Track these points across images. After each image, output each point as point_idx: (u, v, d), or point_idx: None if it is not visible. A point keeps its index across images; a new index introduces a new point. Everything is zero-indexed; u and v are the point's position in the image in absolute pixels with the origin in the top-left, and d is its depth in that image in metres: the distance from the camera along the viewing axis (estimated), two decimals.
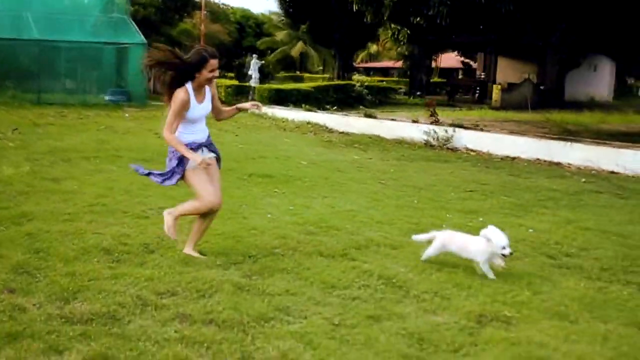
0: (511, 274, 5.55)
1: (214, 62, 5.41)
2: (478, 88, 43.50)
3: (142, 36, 27.66)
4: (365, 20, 18.35)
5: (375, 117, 18.72)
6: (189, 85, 5.45)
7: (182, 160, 5.52)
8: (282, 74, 61.15)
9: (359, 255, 5.96)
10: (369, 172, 11.27)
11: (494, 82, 40.63)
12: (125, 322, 4.24)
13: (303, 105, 21.95)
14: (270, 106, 23.00)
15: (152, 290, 4.82)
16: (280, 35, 66.68)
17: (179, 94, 5.40)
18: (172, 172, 5.59)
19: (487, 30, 23.66)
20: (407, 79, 45.07)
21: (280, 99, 25.01)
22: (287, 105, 23.62)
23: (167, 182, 5.65)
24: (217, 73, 5.52)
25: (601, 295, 5.19)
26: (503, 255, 5.34)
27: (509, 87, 37.47)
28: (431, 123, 16.76)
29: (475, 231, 5.82)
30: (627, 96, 43.78)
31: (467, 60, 56.27)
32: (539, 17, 16.96)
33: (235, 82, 31.69)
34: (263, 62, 35.18)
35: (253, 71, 31.11)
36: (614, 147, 13.30)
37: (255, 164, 11.45)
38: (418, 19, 16.55)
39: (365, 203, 8.40)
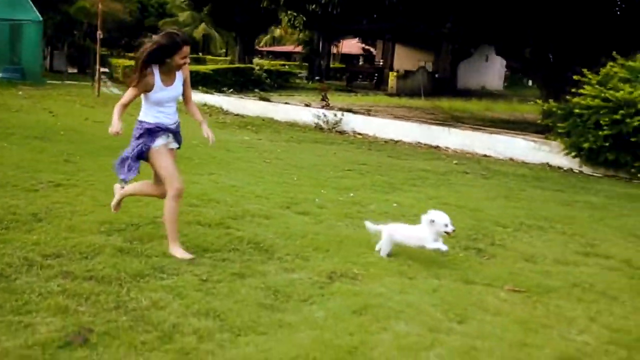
0: (368, 240, 6.27)
1: (186, 49, 5.35)
2: (376, 75, 44.73)
3: (38, 13, 27.26)
4: (262, 5, 18.81)
5: (269, 101, 19.35)
6: (155, 68, 5.36)
7: (148, 134, 5.49)
8: None
9: (234, 224, 6.58)
10: (257, 152, 11.89)
11: (391, 69, 41.91)
12: (12, 279, 4.69)
13: (200, 88, 22.31)
14: None
15: (38, 252, 5.28)
16: (183, 16, 65.82)
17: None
18: (139, 149, 5.49)
19: (381, 19, 24.52)
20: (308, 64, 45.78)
21: None
22: None
23: (135, 163, 5.56)
24: (188, 60, 5.46)
25: (441, 257, 5.98)
26: (446, 232, 5.62)
27: (405, 75, 38.79)
28: (322, 107, 17.51)
29: (344, 204, 6.50)
30: (518, 86, 45.91)
31: (367, 47, 57.55)
32: (428, 7, 17.84)
33: (132, 63, 31.52)
34: None
35: None
36: (488, 132, 14.37)
37: None
38: (313, 6, 17.10)
39: (247, 179, 9.01)
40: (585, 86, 12.05)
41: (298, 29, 22.52)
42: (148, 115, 5.53)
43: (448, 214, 7.60)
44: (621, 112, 11.27)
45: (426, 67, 41.00)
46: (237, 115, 18.59)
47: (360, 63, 61.52)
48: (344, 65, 53.46)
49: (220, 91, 22.04)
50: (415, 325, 4.32)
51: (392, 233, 5.84)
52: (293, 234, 6.31)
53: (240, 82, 28.96)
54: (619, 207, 9.04)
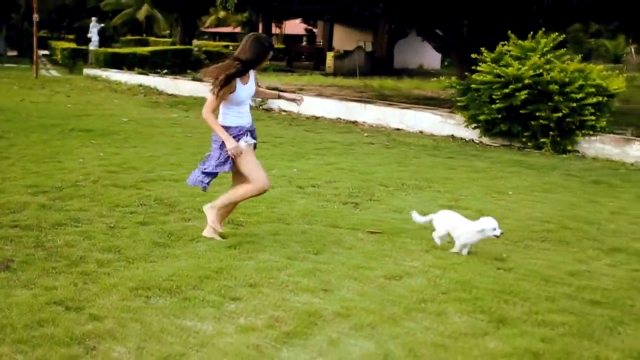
0: (264, 197, 7.35)
1: (271, 53, 5.49)
2: (319, 55, 45.65)
3: None
4: None
5: (202, 81, 20.21)
6: None
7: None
8: (128, 37, 60.73)
9: (146, 186, 7.62)
10: (181, 127, 12.88)
11: (330, 49, 42.88)
12: None
13: (136, 69, 23.10)
14: (105, 69, 23.97)
15: None
16: None
17: None
18: (225, 156, 5.58)
19: (317, 1, 25.56)
20: None
21: (117, 62, 25.85)
22: (122, 69, 24.63)
23: (220, 169, 5.65)
24: (268, 62, 5.64)
25: (321, 209, 7.12)
26: (495, 236, 5.63)
27: (343, 55, 39.80)
28: None
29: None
30: (455, 65, 47.28)
31: (310, 28, 58.41)
32: None
33: (72, 45, 31.97)
34: (103, 25, 35.55)
35: (92, 34, 31.59)
36: (400, 108, 15.56)
37: (79, 120, 12.76)
38: None
39: (166, 151, 10.03)
40: (481, 63, 13.28)
41: (230, 10, 23.35)
42: (228, 117, 5.57)
43: (339, 176, 8.82)
44: (511, 86, 12.53)
45: (364, 47, 42.08)
46: (170, 95, 19.49)
47: (304, 44, 62.34)
48: (284, 46, 54.21)
49: (155, 72, 22.84)
50: (277, 255, 5.43)
51: (444, 222, 5.91)
52: (195, 193, 7.33)
53: (180, 63, 29.61)
54: (498, 171, 10.28)
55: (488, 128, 13.27)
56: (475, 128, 13.61)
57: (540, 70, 12.53)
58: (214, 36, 73.41)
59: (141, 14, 64.39)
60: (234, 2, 20.51)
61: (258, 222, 6.44)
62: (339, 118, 16.04)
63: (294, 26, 61.46)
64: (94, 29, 31.74)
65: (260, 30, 45.41)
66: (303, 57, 50.11)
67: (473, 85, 13.19)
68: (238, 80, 5.45)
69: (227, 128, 5.54)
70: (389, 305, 4.51)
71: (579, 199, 8.56)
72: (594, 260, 5.94)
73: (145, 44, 52.42)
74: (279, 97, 6.27)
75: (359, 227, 6.50)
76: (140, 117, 13.91)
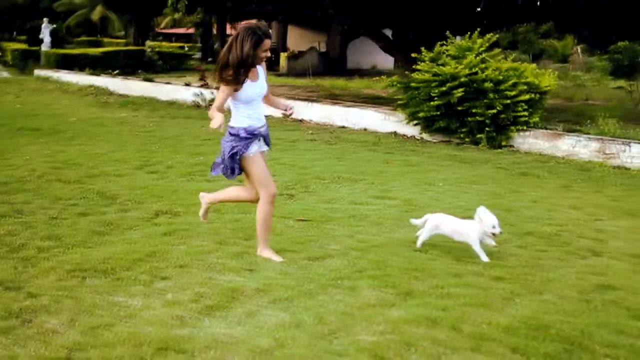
0: (198, 189, 7.71)
1: (267, 42, 5.23)
2: (272, 55, 46.01)
3: None
4: None
5: (152, 81, 20.51)
6: None
7: (241, 140, 5.41)
8: (82, 38, 60.32)
9: (89, 181, 7.95)
10: (129, 126, 13.16)
11: (284, 50, 43.29)
12: None
13: (87, 69, 23.23)
14: (56, 70, 24.04)
15: None
16: None
17: None
18: (231, 163, 5.48)
19: (268, 2, 25.93)
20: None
21: (69, 63, 25.87)
22: (74, 70, 24.72)
23: (227, 177, 5.60)
24: (269, 53, 5.34)
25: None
26: (493, 234, 5.66)
27: (296, 55, 40.23)
28: (200, 86, 18.81)
29: (191, 165, 7.89)
30: (410, 65, 47.98)
31: None
32: None
33: (23, 46, 31.83)
34: (54, 26, 35.42)
35: (44, 35, 31.53)
36: (345, 106, 16.02)
37: (28, 120, 12.98)
38: None
39: (112, 148, 10.34)
40: (420, 63, 13.81)
41: (181, 12, 23.57)
42: (238, 118, 5.43)
43: (278, 170, 9.18)
44: (448, 84, 13.06)
45: (318, 48, 42.55)
46: (121, 95, 19.68)
47: None
48: None
49: (106, 73, 22.99)
50: (209, 241, 5.83)
51: (439, 224, 5.94)
52: (136, 186, 7.73)
53: (132, 64, 29.65)
54: (432, 165, 10.79)
55: (427, 125, 13.79)
56: (416, 125, 14.12)
57: (476, 69, 13.09)
58: (170, 37, 73.15)
59: (95, 15, 63.98)
60: (185, 3, 20.72)
61: (195, 212, 6.79)
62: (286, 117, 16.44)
63: None
64: (45, 30, 31.67)
65: (214, 32, 45.69)
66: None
67: (412, 84, 13.70)
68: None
69: (236, 129, 5.40)
70: (307, 282, 4.93)
71: (503, 189, 9.08)
72: (506, 243, 6.43)
73: (100, 44, 52.22)
74: (286, 108, 5.92)
75: (290, 215, 6.92)
76: (88, 117, 14.15)
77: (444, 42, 14.08)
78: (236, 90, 5.29)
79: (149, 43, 32.64)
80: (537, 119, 13.30)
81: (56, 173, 8.25)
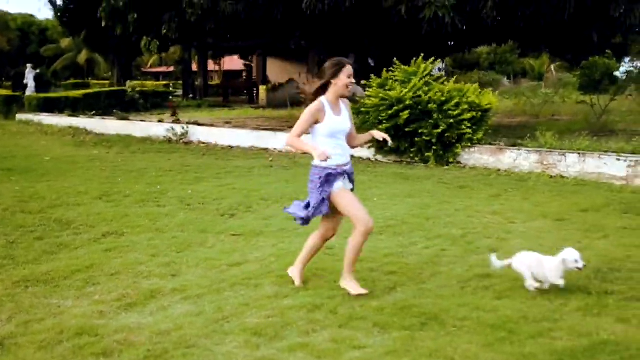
0: (148, 213, 8.60)
1: (350, 67, 5.29)
2: (255, 89, 47.10)
3: None
4: (115, 33, 20.90)
5: (128, 119, 21.48)
6: (322, 98, 5.33)
7: (327, 182, 5.37)
8: (71, 81, 61.43)
9: (50, 211, 8.81)
10: (100, 162, 14.05)
11: (264, 82, 44.39)
12: None
13: (66, 111, 24.22)
14: (38, 114, 25.03)
15: None
16: (65, 42, 66.18)
17: (312, 104, 5.31)
18: (320, 199, 5.40)
19: (239, 38, 27.03)
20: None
21: (51, 106, 26.65)
22: (55, 112, 25.62)
23: (318, 212, 5.45)
24: (353, 79, 5.37)
25: (197, 220, 8.37)
26: (578, 268, 5.56)
27: (276, 87, 41.31)
28: (172, 122, 19.78)
29: (147, 194, 8.75)
30: None
31: (248, 63, 59.89)
32: (275, 26, 20.34)
33: (7, 92, 32.74)
34: (38, 70, 36.49)
35: (29, 80, 32.55)
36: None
37: (3, 161, 13.85)
38: (164, 30, 19.25)
39: (77, 182, 11.19)
40: (369, 89, 14.79)
41: (153, 52, 24.67)
42: None
43: (227, 194, 10.06)
44: (395, 108, 14.02)
45: (299, 79, 43.62)
46: (98, 134, 20.60)
47: (245, 78, 63.67)
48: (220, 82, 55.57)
49: (84, 114, 23.93)
50: (144, 254, 6.71)
51: (527, 263, 5.76)
52: (92, 213, 8.61)
53: (114, 104, 30.50)
54: (375, 182, 11.65)
55: (380, 147, 14.72)
56: (370, 147, 15.05)
57: (420, 92, 14.05)
58: (157, 76, 74.42)
59: (82, 58, 65.25)
60: (157, 44, 21.78)
61: (138, 232, 7.70)
62: (252, 146, 17.37)
63: (233, 62, 62.88)
64: (29, 75, 32.70)
65: (194, 68, 46.81)
66: (245, 92, 51.46)
67: (362, 109, 14.66)
68: (328, 107, 5.28)
69: (321, 167, 5.35)
70: (219, 282, 5.81)
71: (435, 201, 9.95)
72: (413, 245, 7.30)
73: (87, 86, 53.23)
74: (372, 136, 5.67)
75: (225, 232, 7.79)
76: (62, 155, 15.04)
77: (392, 68, 15.06)
78: (317, 122, 5.28)
79: (129, 83, 33.56)
80: (482, 135, 14.24)
81: (21, 206, 9.11)
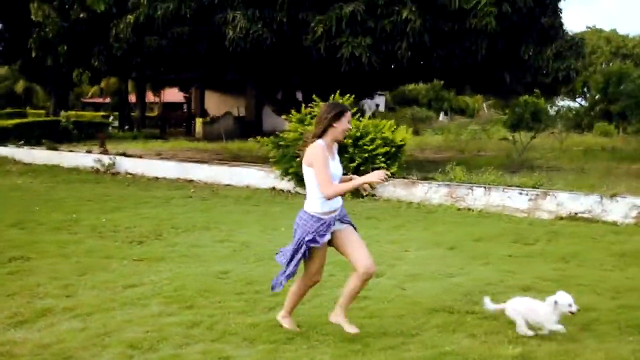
0: (55, 240, 8.94)
1: (349, 114, 5.32)
2: (193, 121, 47.38)
3: None
4: (47, 64, 21.14)
5: (56, 149, 21.68)
6: (320, 141, 5.25)
7: (319, 235, 5.33)
8: (7, 110, 60.55)
9: None
10: (22, 192, 14.30)
11: (202, 115, 44.76)
12: None
13: None
14: None
15: None
16: (1, 71, 65.50)
17: (316, 149, 5.20)
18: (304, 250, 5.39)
19: (171, 71, 27.52)
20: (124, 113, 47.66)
21: None
22: None
23: (296, 260, 5.46)
24: (351, 125, 5.40)
25: (104, 247, 8.76)
26: (571, 312, 5.45)
27: (213, 120, 41.70)
28: (100, 153, 20.06)
29: (60, 222, 9.09)
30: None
31: (188, 95, 60.11)
32: (206, 61, 20.86)
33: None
34: None
35: None
36: (230, 166, 17.46)
37: None
38: (96, 63, 19.57)
39: None
40: (288, 124, 15.40)
41: (84, 83, 24.98)
42: (319, 201, 5.30)
43: (138, 222, 10.45)
44: None
45: (238, 112, 44.12)
46: (25, 164, 20.74)
47: (184, 110, 63.79)
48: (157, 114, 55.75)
49: (12, 144, 23.96)
50: (44, 277, 7.08)
51: (519, 310, 5.66)
52: (2, 240, 8.92)
53: (47, 134, 30.36)
54: (288, 213, 12.10)
55: (298, 179, 15.28)
56: (290, 180, 15.60)
57: None
58: (96, 106, 73.96)
59: (19, 87, 64.51)
60: (88, 75, 22.11)
61: (43, 257, 8.06)
62: (179, 178, 17.77)
63: (173, 94, 62.86)
64: None
65: (133, 100, 46.95)
66: (185, 124, 51.65)
67: (282, 143, 15.24)
68: (325, 152, 5.21)
69: (317, 216, 5.32)
70: (110, 302, 6.23)
71: None
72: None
73: (24, 116, 52.62)
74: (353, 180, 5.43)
75: (129, 257, 8.20)
76: None
77: (311, 104, 15.70)
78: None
79: (63, 113, 33.53)
80: (396, 169, 14.91)
81: None
